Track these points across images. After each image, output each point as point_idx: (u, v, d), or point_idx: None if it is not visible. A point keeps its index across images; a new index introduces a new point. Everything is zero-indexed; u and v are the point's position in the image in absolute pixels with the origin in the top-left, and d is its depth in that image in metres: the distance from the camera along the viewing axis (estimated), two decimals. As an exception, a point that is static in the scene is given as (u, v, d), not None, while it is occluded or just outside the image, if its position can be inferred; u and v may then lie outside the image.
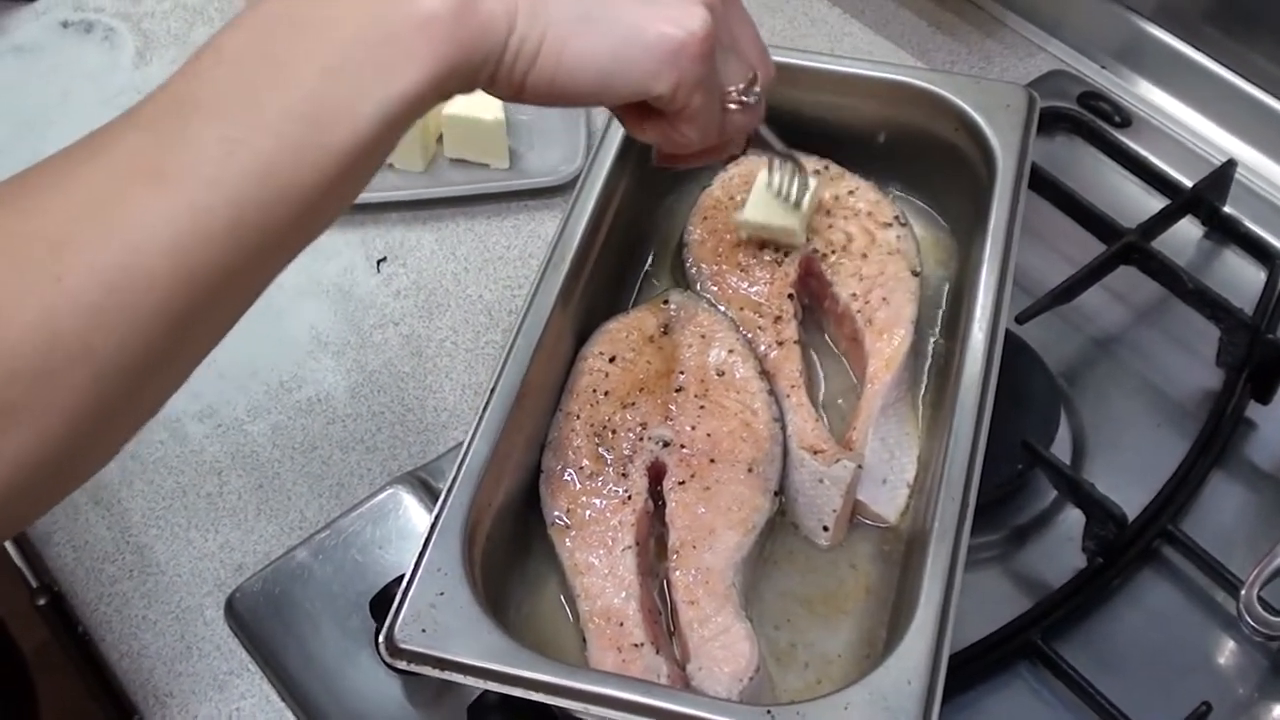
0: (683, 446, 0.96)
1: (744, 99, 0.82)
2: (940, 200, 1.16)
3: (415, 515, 1.06)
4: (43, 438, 0.61)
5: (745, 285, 1.06)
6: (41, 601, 1.13)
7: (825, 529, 0.96)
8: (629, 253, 1.13)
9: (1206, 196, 1.22)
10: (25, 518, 0.68)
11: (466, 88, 0.71)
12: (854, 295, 1.05)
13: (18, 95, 1.44)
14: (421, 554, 0.85)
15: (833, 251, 1.07)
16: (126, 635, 1.04)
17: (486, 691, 0.89)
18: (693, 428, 0.97)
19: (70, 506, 1.11)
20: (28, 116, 1.42)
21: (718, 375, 0.99)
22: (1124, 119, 1.33)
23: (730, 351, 1.01)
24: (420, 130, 1.29)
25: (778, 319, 1.03)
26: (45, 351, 0.60)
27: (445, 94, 0.70)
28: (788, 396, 1.00)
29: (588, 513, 0.94)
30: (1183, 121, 1.34)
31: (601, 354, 1.01)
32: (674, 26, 0.73)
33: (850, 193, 1.11)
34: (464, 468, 0.89)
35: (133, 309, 0.62)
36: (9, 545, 1.17)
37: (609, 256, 1.06)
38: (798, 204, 1.05)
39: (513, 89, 0.73)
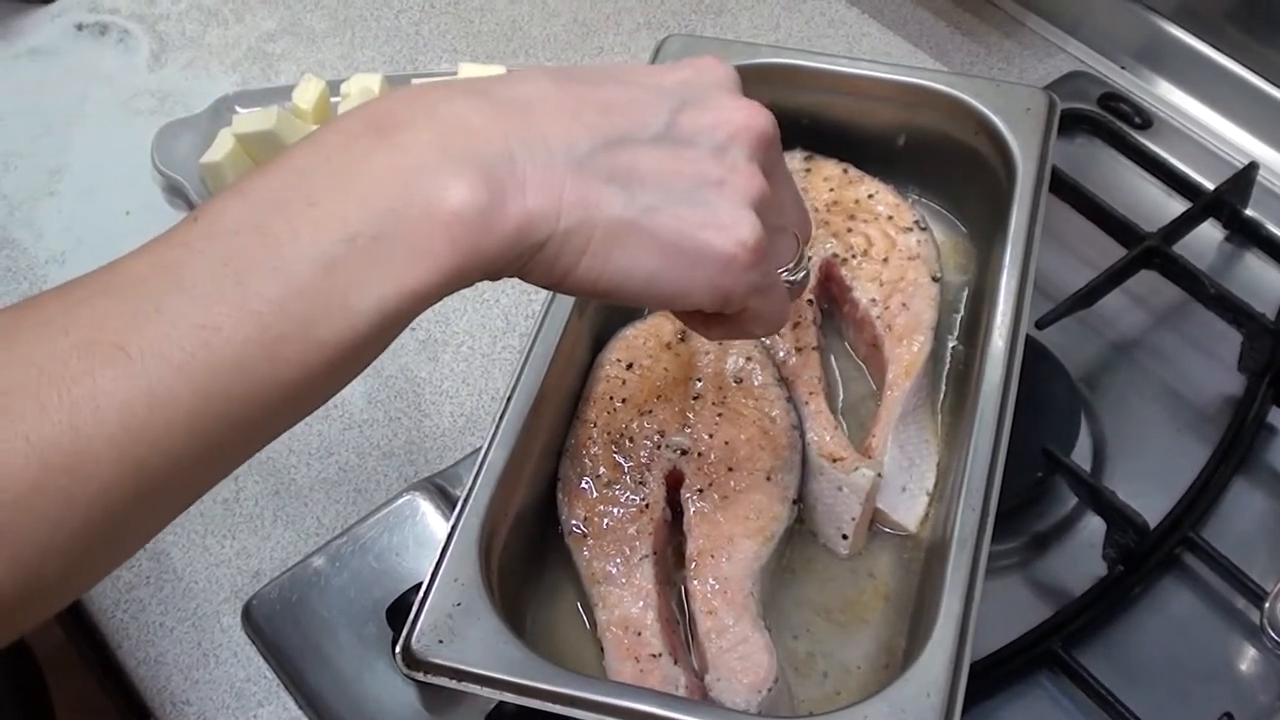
0: (700, 454, 0.95)
1: (794, 277, 0.79)
2: (960, 204, 1.15)
3: (432, 521, 1.06)
4: None
5: (763, 291, 1.05)
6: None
7: (844, 537, 0.96)
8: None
9: (1228, 199, 1.21)
10: None
11: (491, 278, 0.67)
12: (874, 300, 1.04)
13: (34, 98, 1.44)
14: (438, 564, 0.85)
15: (852, 256, 1.07)
16: (144, 642, 1.04)
17: (504, 702, 0.89)
18: (710, 435, 0.96)
19: (86, 512, 1.10)
20: (44, 119, 1.42)
21: (735, 382, 0.99)
22: (1145, 120, 1.32)
23: (748, 358, 1.00)
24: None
25: (796, 324, 1.03)
26: None
27: (462, 286, 0.65)
28: (806, 403, 0.99)
29: (605, 521, 0.93)
30: (1204, 123, 1.33)
31: (619, 361, 1.01)
32: (724, 238, 0.69)
33: (870, 196, 1.10)
34: (480, 477, 0.89)
35: (68, 492, 0.56)
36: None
37: (626, 262, 1.05)
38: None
39: (548, 283, 0.69)
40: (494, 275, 0.66)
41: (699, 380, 0.99)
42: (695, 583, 0.90)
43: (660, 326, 1.03)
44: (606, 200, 0.67)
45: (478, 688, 0.81)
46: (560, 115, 0.67)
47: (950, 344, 1.06)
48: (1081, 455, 1.07)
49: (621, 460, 0.96)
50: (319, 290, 0.60)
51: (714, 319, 0.76)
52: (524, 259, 0.66)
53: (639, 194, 0.67)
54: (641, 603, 0.89)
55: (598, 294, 0.69)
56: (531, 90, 0.68)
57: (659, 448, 0.96)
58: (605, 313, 1.03)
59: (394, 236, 0.62)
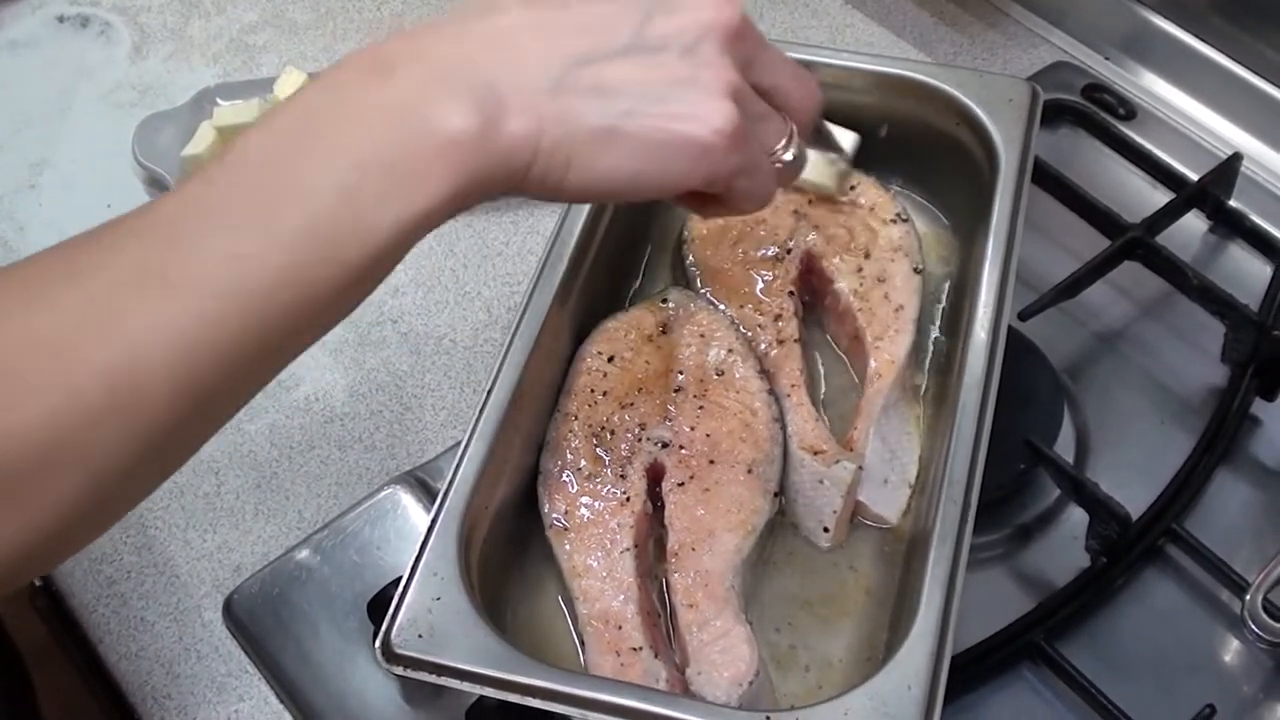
0: (682, 447, 0.95)
1: (785, 157, 0.81)
2: (942, 196, 1.15)
3: (414, 515, 1.05)
4: (35, 525, 0.62)
5: (745, 283, 1.05)
6: (40, 602, 1.13)
7: (825, 530, 0.96)
8: (627, 250, 1.12)
9: (1212, 190, 1.21)
10: (13, 584, 0.67)
11: (491, 197, 0.72)
12: (855, 293, 1.04)
13: (14, 91, 1.44)
14: (418, 558, 0.85)
15: (834, 248, 1.06)
16: (125, 636, 1.04)
17: (484, 696, 0.89)
18: (692, 428, 0.96)
19: (67, 506, 1.10)
20: (25, 112, 1.41)
21: (717, 375, 0.99)
22: (1128, 111, 1.32)
23: (729, 351, 1.00)
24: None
25: (778, 317, 1.03)
26: (46, 449, 0.61)
27: (465, 206, 0.70)
28: (788, 396, 0.99)
29: (586, 514, 0.93)
30: (1188, 114, 1.33)
31: (600, 353, 1.00)
32: (699, 126, 0.73)
33: (852, 188, 1.10)
34: (460, 471, 0.88)
35: (133, 411, 0.62)
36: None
37: (607, 253, 1.05)
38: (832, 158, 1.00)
39: (545, 196, 0.74)
40: (494, 193, 0.71)
41: (680, 373, 0.99)
42: (676, 576, 0.90)
43: (641, 319, 1.03)
44: (583, 113, 0.71)
45: (458, 682, 0.81)
46: (535, 43, 0.72)
47: (932, 335, 1.06)
48: (1064, 447, 1.06)
49: (602, 453, 0.95)
50: (339, 215, 0.66)
51: (708, 199, 0.80)
52: (517, 176, 0.71)
53: (614, 102, 0.72)
54: (622, 596, 0.89)
55: (593, 197, 0.76)
56: (508, 21, 0.73)
57: (640, 440, 0.95)
58: (587, 304, 1.02)
59: (400, 163, 0.67)
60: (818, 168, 0.97)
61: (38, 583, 1.15)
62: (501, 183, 0.71)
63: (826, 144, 0.96)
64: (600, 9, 0.74)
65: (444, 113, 0.68)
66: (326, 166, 0.66)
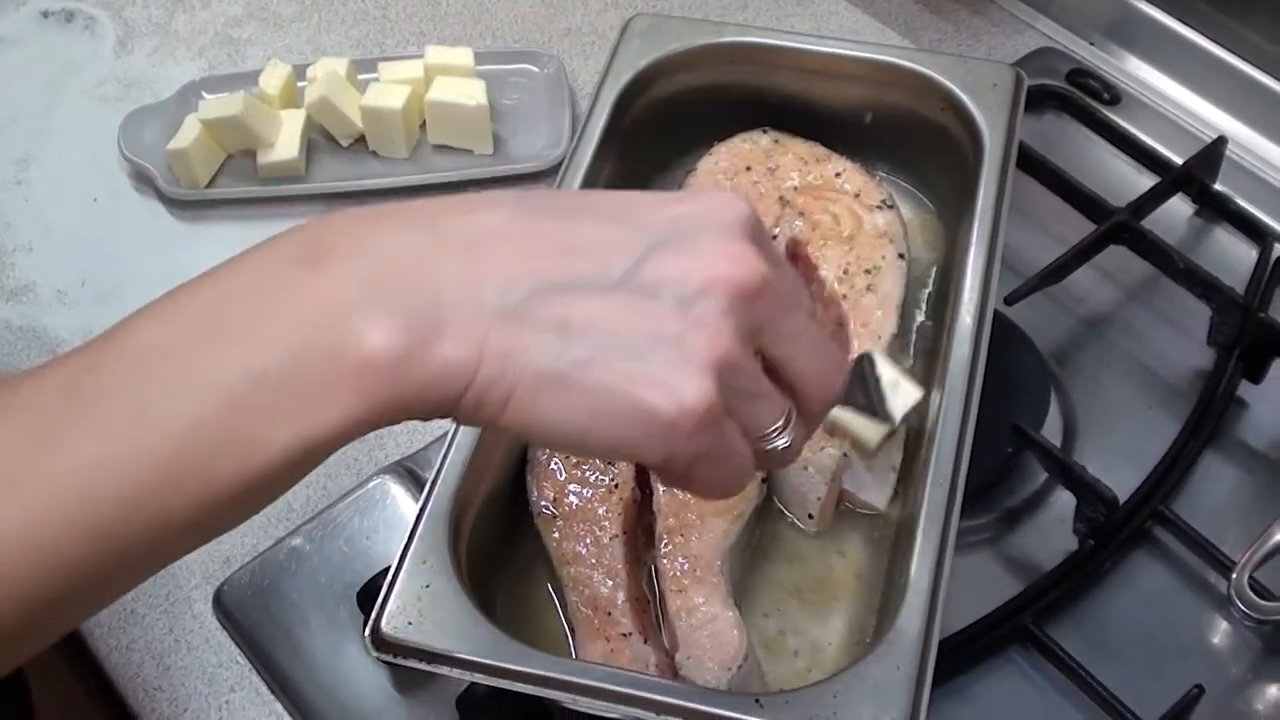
0: (669, 434, 0.95)
1: (777, 443, 0.68)
2: (927, 182, 1.16)
3: (403, 505, 1.05)
4: None
5: (732, 270, 1.05)
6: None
7: (811, 516, 0.96)
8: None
9: (1197, 174, 1.21)
10: None
11: (411, 419, 0.63)
12: (841, 279, 1.04)
13: (-1, 87, 1.44)
14: (407, 546, 0.85)
15: (820, 235, 1.07)
16: (115, 629, 1.04)
17: (475, 683, 0.89)
18: (680, 415, 0.96)
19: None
20: (10, 108, 1.41)
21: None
22: (1113, 96, 1.33)
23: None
24: (403, 117, 1.28)
25: (765, 304, 1.03)
26: None
27: (383, 426, 0.62)
28: (775, 382, 0.99)
29: (574, 502, 0.93)
30: (1173, 98, 1.34)
31: (587, 341, 1.00)
32: (665, 398, 0.61)
33: (837, 175, 1.10)
34: (448, 459, 0.89)
35: None
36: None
37: (594, 242, 1.05)
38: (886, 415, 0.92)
39: (476, 423, 0.64)
40: (416, 417, 0.63)
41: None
42: (665, 562, 0.90)
43: (628, 307, 1.02)
44: (535, 350, 0.61)
45: (448, 669, 0.81)
46: (507, 255, 0.63)
47: (918, 320, 1.07)
48: (1051, 431, 1.07)
49: (591, 441, 0.95)
50: (223, 426, 0.58)
51: (663, 472, 0.67)
52: (446, 405, 0.62)
53: (575, 344, 0.61)
54: (611, 582, 0.89)
55: (535, 441, 0.64)
56: (488, 222, 0.64)
57: (628, 428, 0.95)
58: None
59: (303, 379, 0.59)
60: (862, 424, 0.92)
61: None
62: (426, 409, 0.62)
63: (878, 412, 0.90)
64: (601, 229, 0.64)
65: (365, 327, 0.59)
66: (220, 369, 0.59)
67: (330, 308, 0.60)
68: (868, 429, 0.92)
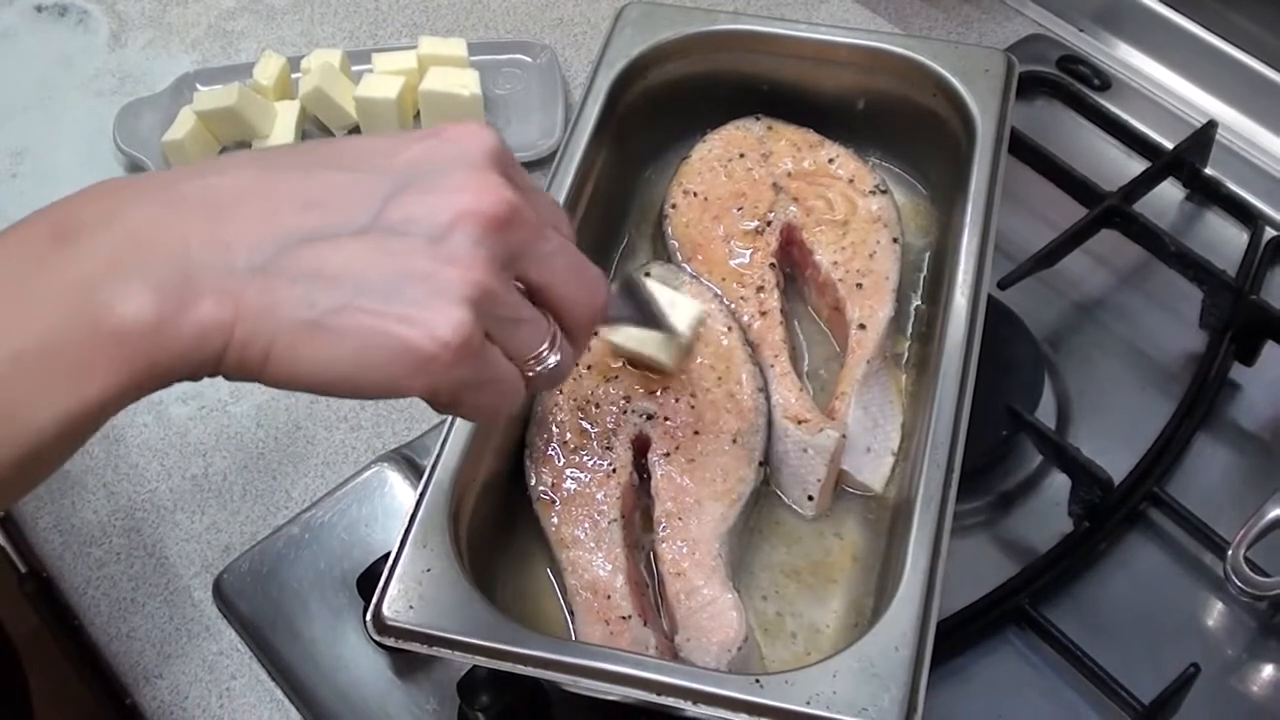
0: (667, 419, 0.96)
1: (547, 362, 0.69)
2: (920, 167, 1.16)
3: (401, 493, 1.06)
4: None
5: (727, 255, 1.06)
6: (28, 587, 1.13)
7: (810, 499, 0.96)
8: (609, 226, 1.13)
9: (1187, 158, 1.22)
10: None
11: (179, 381, 0.63)
12: (835, 264, 1.04)
13: (-7, 81, 1.44)
14: (407, 530, 0.85)
15: (814, 220, 1.07)
16: (115, 618, 1.04)
17: (476, 666, 0.89)
18: (676, 400, 0.96)
19: (56, 491, 1.10)
20: (5, 102, 1.41)
21: (701, 346, 0.99)
22: (1103, 82, 1.33)
23: (712, 322, 1.00)
24: (397, 107, 1.29)
25: (760, 289, 1.03)
26: None
27: (149, 392, 0.62)
28: (771, 367, 1.00)
29: (573, 486, 0.94)
30: (1162, 83, 1.34)
31: (584, 327, 1.01)
32: (420, 333, 0.62)
33: (831, 160, 1.11)
34: (446, 445, 0.89)
35: None
36: (-4, 531, 1.17)
37: (589, 230, 1.06)
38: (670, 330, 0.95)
39: (245, 379, 0.64)
40: (182, 379, 0.63)
41: (664, 345, 1.00)
42: (663, 545, 0.91)
43: (624, 293, 1.03)
44: (288, 303, 0.62)
45: (449, 652, 0.81)
46: (251, 215, 0.63)
47: (914, 304, 1.07)
48: (1046, 414, 1.07)
49: (588, 426, 0.96)
50: None
51: (432, 402, 0.68)
52: (209, 365, 0.62)
53: (328, 293, 0.62)
54: (610, 566, 0.90)
55: (300, 389, 0.64)
56: (229, 184, 0.64)
57: (625, 413, 0.96)
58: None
59: (61, 353, 0.59)
60: (655, 344, 0.95)
61: (23, 568, 1.16)
62: (189, 371, 0.62)
63: (659, 325, 0.92)
64: (342, 178, 0.65)
65: (118, 297, 0.59)
66: None
67: (81, 284, 0.60)
68: (661, 348, 0.95)
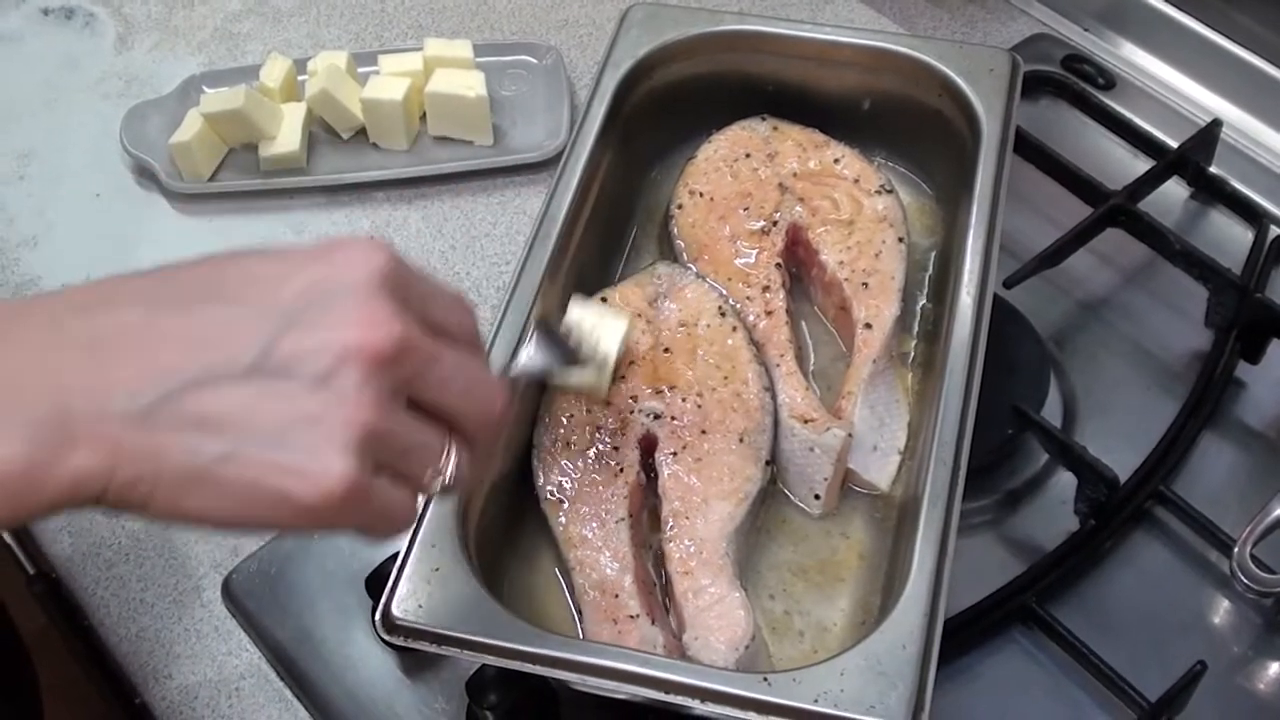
0: (674, 418, 0.96)
1: (437, 480, 0.68)
2: (925, 167, 1.16)
3: (409, 493, 1.06)
4: None
5: (733, 255, 1.06)
6: (38, 587, 1.13)
7: (817, 497, 0.97)
8: (615, 226, 1.13)
9: (1192, 157, 1.22)
10: None
11: (58, 513, 0.62)
12: (841, 264, 1.05)
13: (0, 84, 1.44)
14: (416, 530, 0.85)
15: (820, 220, 1.07)
16: (125, 618, 1.04)
17: (484, 665, 0.90)
18: (683, 399, 0.97)
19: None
20: (12, 105, 1.41)
21: (707, 346, 1.00)
22: (1108, 81, 1.33)
23: (719, 322, 1.01)
24: (403, 109, 1.29)
25: (766, 289, 1.04)
26: None
27: (24, 524, 0.61)
28: (777, 366, 1.00)
29: (581, 486, 0.94)
30: (1167, 82, 1.34)
31: (591, 328, 1.01)
32: (307, 486, 0.61)
33: (836, 160, 1.11)
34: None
35: None
36: (5, 533, 1.17)
37: (595, 230, 1.06)
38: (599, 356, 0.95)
39: (128, 515, 0.63)
40: (65, 510, 0.62)
41: (669, 346, 1.00)
42: (671, 544, 0.91)
43: (631, 293, 1.03)
44: (172, 451, 0.61)
45: (458, 651, 0.81)
46: (134, 356, 0.62)
47: (920, 303, 1.07)
48: (1051, 413, 1.07)
49: (595, 426, 0.96)
50: None
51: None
52: (88, 504, 0.61)
53: (212, 440, 0.61)
54: (618, 565, 0.90)
55: (182, 526, 0.64)
56: (112, 324, 0.63)
57: (632, 412, 0.96)
58: (575, 281, 1.03)
59: None
60: (580, 376, 0.94)
61: (31, 570, 1.16)
62: (67, 507, 0.61)
63: (579, 360, 0.93)
64: (225, 315, 0.63)
65: None
66: None
67: None
68: (588, 377, 0.94)
